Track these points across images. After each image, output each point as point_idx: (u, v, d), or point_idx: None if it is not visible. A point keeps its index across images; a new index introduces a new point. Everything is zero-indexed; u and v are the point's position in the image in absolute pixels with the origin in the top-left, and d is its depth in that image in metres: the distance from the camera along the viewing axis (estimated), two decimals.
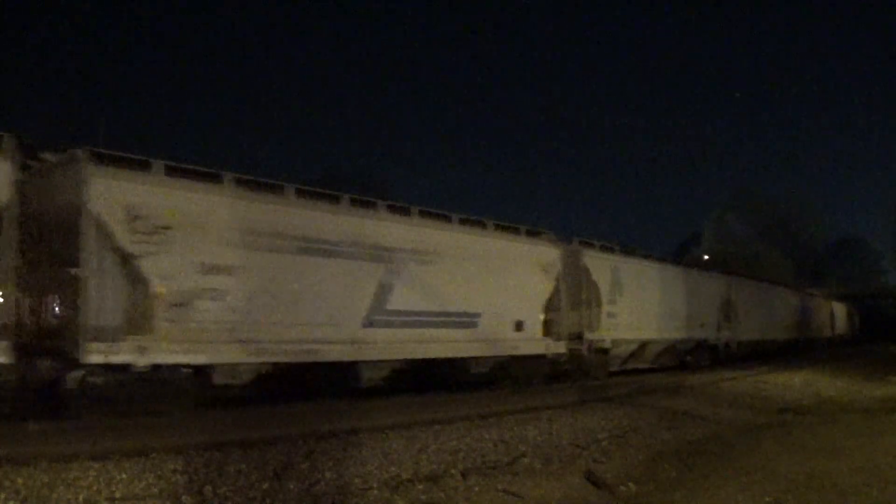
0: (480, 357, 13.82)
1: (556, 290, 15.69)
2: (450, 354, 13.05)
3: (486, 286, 13.87)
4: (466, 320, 13.43)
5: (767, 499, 5.81)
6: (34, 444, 6.72)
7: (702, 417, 11.29)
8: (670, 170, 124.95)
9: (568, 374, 16.34)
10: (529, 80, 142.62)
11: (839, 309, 47.89)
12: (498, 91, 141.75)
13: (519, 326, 14.54)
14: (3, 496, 5.12)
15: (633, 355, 19.21)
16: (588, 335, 16.72)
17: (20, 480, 5.42)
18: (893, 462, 7.04)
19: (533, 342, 14.95)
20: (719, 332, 24.24)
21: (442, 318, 12.98)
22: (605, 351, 17.46)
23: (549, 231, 16.55)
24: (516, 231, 15.44)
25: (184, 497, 5.41)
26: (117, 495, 5.37)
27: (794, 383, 17.92)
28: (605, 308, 17.37)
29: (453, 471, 6.69)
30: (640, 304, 19.03)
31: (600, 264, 17.59)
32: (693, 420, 10.99)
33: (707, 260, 45.46)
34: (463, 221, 13.96)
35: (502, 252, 14.53)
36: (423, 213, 13.19)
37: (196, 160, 10.61)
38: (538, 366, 15.22)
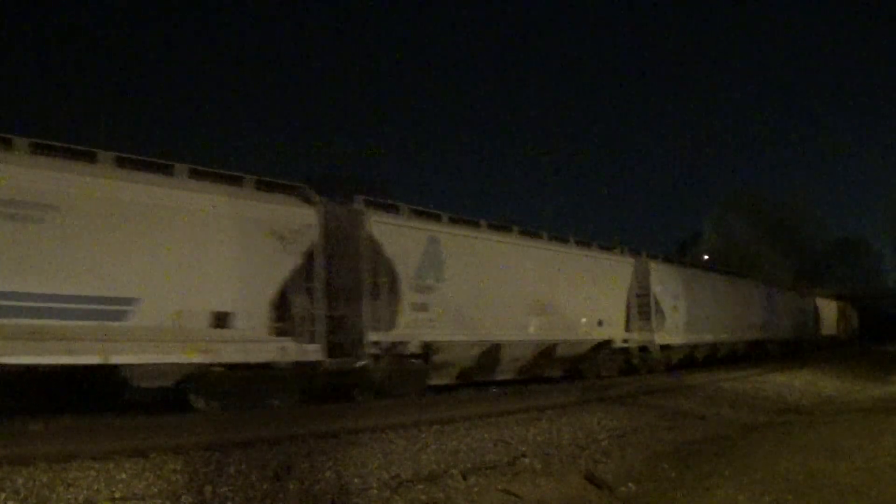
0: (144, 365, 9.34)
1: (307, 269, 10.95)
2: (70, 360, 8.69)
3: (156, 259, 9.48)
4: (108, 309, 9.05)
5: (767, 499, 5.82)
6: (34, 444, 6.72)
7: (702, 417, 11.29)
8: (670, 170, 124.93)
9: (346, 390, 11.92)
10: (530, 81, 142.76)
11: (827, 307, 42.39)
12: (498, 91, 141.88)
13: (221, 321, 10.00)
14: (3, 496, 5.12)
15: (480, 363, 14.29)
16: (373, 336, 11.66)
17: (20, 480, 5.42)
18: (893, 462, 7.04)
19: (250, 345, 10.27)
20: (630, 331, 18.69)
21: (56, 305, 8.71)
22: (416, 357, 12.66)
23: (307, 186, 11.62)
24: (232, 182, 10.69)
25: (184, 497, 5.41)
26: (117, 495, 5.37)
27: (794, 383, 17.93)
28: (410, 297, 12.39)
29: (453, 471, 6.69)
30: (482, 293, 13.95)
31: (404, 235, 12.53)
32: (693, 420, 10.99)
33: (708, 259, 45.33)
34: (123, 163, 9.67)
35: (195, 211, 9.95)
36: (36, 148, 9.00)
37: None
38: (269, 380, 10.59)
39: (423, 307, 12.68)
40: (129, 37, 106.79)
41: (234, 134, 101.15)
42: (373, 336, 11.73)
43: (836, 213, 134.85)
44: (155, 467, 6.03)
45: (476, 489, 6.21)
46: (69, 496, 5.25)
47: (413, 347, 12.52)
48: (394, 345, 12.19)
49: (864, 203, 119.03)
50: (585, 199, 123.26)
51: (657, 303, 19.86)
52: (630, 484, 6.52)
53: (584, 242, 18.04)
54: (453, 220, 14.15)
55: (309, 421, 8.77)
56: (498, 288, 14.48)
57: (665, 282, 20.67)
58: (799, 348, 33.28)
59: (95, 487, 5.46)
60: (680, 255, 45.37)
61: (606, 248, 19.05)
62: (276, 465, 6.36)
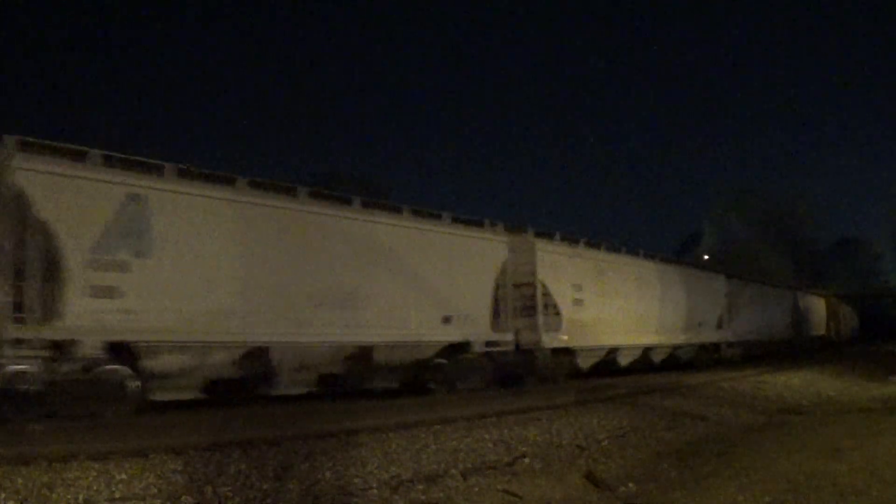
0: None
1: None
2: None
3: None
4: None
5: (767, 499, 5.81)
6: (34, 444, 6.72)
7: (702, 417, 11.29)
8: (670, 170, 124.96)
9: None
10: (530, 81, 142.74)
11: (813, 304, 37.66)
12: (499, 91, 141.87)
13: None
14: (3, 496, 5.12)
15: (243, 373, 10.57)
16: (15, 331, 8.53)
17: (20, 480, 5.42)
18: (893, 462, 7.04)
19: None
20: (499, 331, 14.48)
21: None
22: (113, 363, 9.14)
23: None
24: None
25: (184, 497, 5.41)
26: (117, 495, 5.37)
27: (794, 383, 17.91)
28: (87, 278, 9.01)
29: (453, 471, 6.69)
30: (232, 277, 10.38)
31: (80, 190, 9.14)
32: (693, 420, 10.99)
33: (708, 260, 45.25)
34: None
35: None
36: None
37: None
38: None
39: (110, 292, 9.18)
40: (130, 36, 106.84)
41: (234, 134, 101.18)
42: (15, 332, 8.50)
43: (836, 213, 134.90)
44: (155, 467, 6.03)
45: (476, 489, 6.22)
46: (69, 496, 5.25)
47: (89, 349, 8.96)
48: (57, 345, 8.80)
49: (864, 203, 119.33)
50: (586, 199, 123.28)
51: (548, 295, 15.42)
52: (630, 484, 6.52)
53: (424, 213, 13.77)
54: (185, 175, 10.33)
55: (309, 421, 8.77)
56: (264, 271, 10.78)
57: (561, 268, 16.03)
58: (772, 352, 28.54)
59: (95, 487, 5.46)
60: (680, 254, 45.10)
61: (465, 221, 14.59)
62: (276, 465, 6.36)
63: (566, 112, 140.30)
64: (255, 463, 6.39)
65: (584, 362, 16.99)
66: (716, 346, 23.91)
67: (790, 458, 7.48)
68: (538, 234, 16.21)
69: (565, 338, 15.81)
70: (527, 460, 7.43)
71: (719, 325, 24.14)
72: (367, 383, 12.33)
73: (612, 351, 17.98)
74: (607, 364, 18.00)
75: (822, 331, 38.89)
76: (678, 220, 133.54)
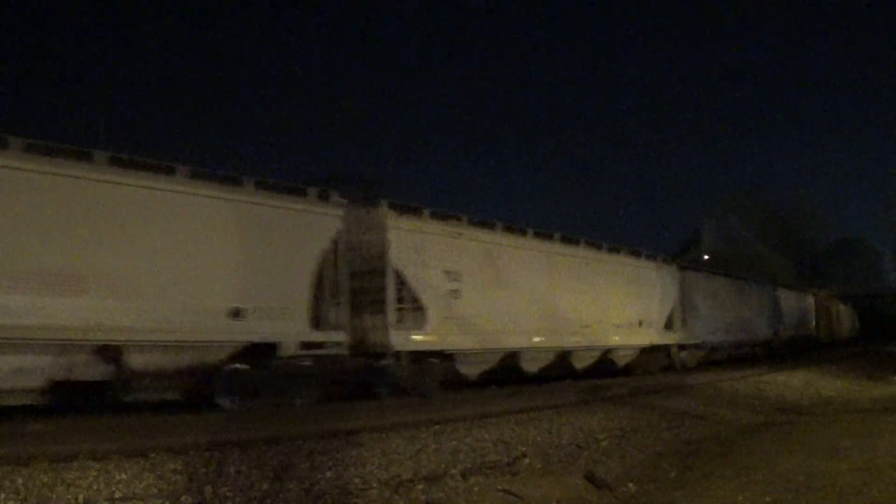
0: None
1: None
2: None
3: None
4: None
5: (767, 499, 5.81)
6: (34, 444, 6.72)
7: (702, 417, 11.29)
8: (670, 170, 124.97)
9: None
10: (530, 80, 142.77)
11: (800, 302, 34.50)
12: (499, 91, 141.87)
13: None
14: (2, 496, 5.12)
15: None
16: None
17: (20, 480, 5.42)
18: (893, 462, 7.03)
19: None
20: (325, 328, 11.36)
21: None
22: None
23: None
24: None
25: (184, 497, 5.42)
26: (117, 495, 5.37)
27: (794, 383, 17.90)
28: None
29: (453, 471, 6.69)
30: None
31: None
32: (693, 420, 10.99)
33: (708, 259, 45.15)
34: None
35: None
36: None
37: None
38: None
39: None
40: (130, 36, 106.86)
41: (235, 134, 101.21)
42: None
43: (836, 213, 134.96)
44: (155, 467, 6.03)
45: (476, 489, 6.22)
46: (69, 496, 5.25)
47: None
48: None
49: (864, 203, 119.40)
50: (586, 198, 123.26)
51: (405, 284, 12.41)
52: (630, 484, 6.52)
53: (209, 176, 10.60)
54: None
55: (309, 421, 8.77)
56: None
57: (430, 252, 12.93)
58: (745, 355, 25.57)
59: (95, 487, 5.46)
60: (681, 255, 44.93)
61: (276, 188, 11.37)
62: (276, 465, 6.36)
63: (567, 112, 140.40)
64: (255, 463, 6.39)
65: (471, 369, 13.87)
66: (665, 350, 20.12)
67: (790, 458, 7.47)
68: (395, 208, 12.69)
69: (428, 339, 12.66)
70: (527, 460, 7.43)
71: (668, 325, 20.29)
72: (123, 394, 9.51)
73: (512, 355, 14.69)
74: (507, 371, 14.73)
75: (811, 331, 36.04)
76: (678, 220, 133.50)
